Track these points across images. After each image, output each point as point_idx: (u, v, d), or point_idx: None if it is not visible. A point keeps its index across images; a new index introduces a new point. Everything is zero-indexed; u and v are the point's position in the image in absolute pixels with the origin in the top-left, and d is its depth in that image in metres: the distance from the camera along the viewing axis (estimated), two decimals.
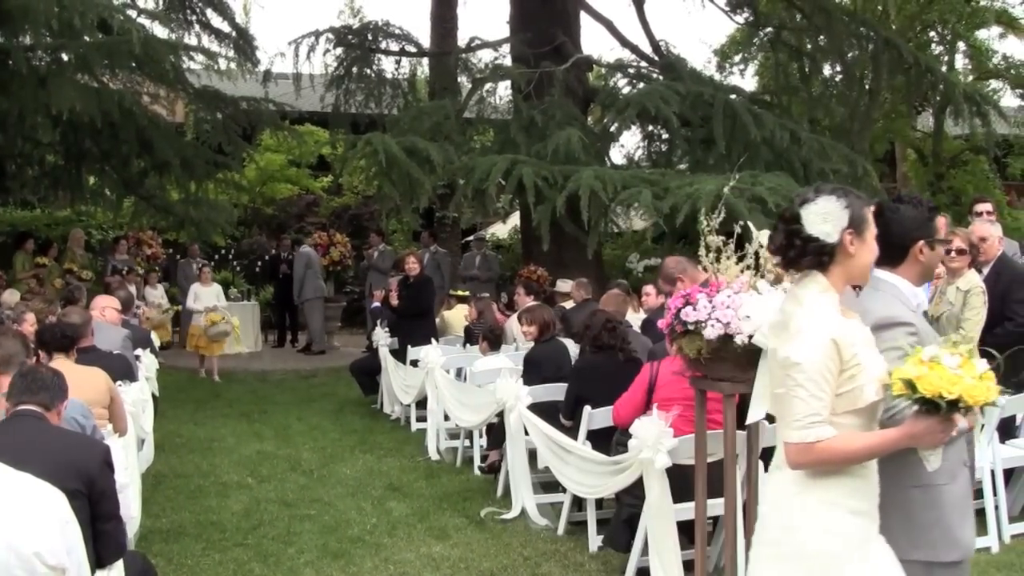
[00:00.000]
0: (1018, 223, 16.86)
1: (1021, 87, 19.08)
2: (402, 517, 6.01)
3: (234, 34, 13.27)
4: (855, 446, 2.54)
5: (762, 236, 4.06)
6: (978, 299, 5.63)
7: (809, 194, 2.69)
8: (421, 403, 8.39)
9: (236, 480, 6.98)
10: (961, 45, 19.55)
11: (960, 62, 20.04)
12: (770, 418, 4.17)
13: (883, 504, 2.67)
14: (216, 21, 13.17)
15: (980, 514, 5.22)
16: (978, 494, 5.29)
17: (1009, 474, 5.44)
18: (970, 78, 19.08)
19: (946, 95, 14.24)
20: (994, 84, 19.71)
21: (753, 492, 4.31)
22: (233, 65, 12.98)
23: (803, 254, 2.64)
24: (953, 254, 5.77)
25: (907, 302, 2.92)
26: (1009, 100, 18.98)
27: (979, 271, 5.90)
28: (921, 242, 2.93)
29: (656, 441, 4.23)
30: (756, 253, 4.01)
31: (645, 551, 4.50)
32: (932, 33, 19.32)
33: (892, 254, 2.92)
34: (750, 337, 3.80)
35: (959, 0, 17.74)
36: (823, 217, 2.61)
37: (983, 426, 5.15)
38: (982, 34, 19.68)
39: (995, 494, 5.18)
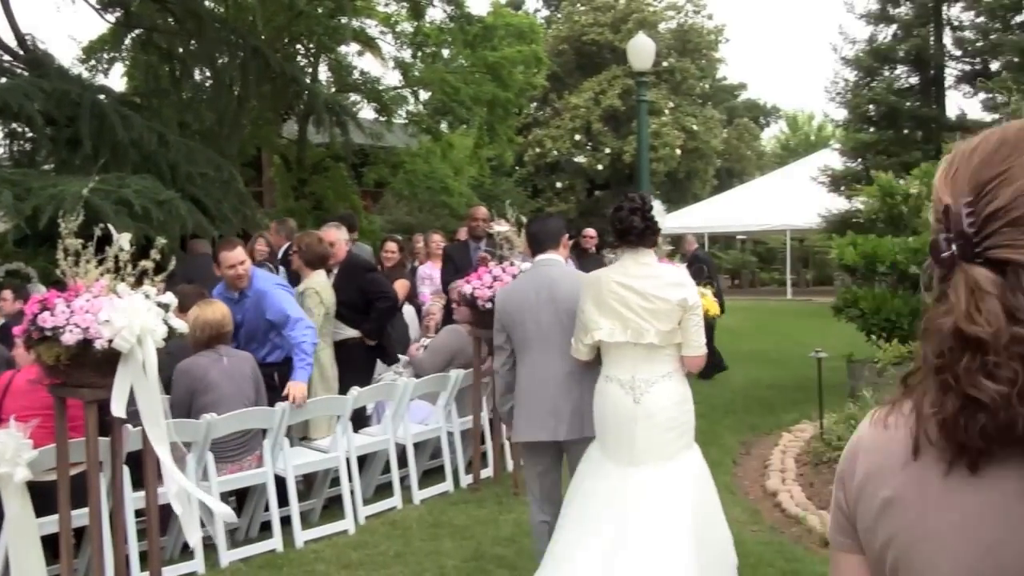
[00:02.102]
0: (373, 226, 18.82)
1: (376, 101, 21.16)
2: None
3: None
4: None
5: (123, 239, 4.06)
6: (312, 300, 6.12)
7: (644, 194, 3.97)
8: None
9: None
10: (324, 59, 21.12)
11: (324, 75, 21.53)
12: (134, 422, 4.20)
13: None
14: None
15: (338, 500, 5.62)
16: (335, 482, 5.70)
17: (362, 461, 5.93)
18: (332, 90, 20.58)
19: (310, 104, 15.34)
20: (354, 97, 21.57)
21: (119, 498, 4.29)
22: None
23: (654, 234, 3.89)
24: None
25: None
26: (367, 113, 20.85)
27: (329, 272, 6.49)
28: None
29: (14, 455, 3.99)
30: (116, 256, 4.00)
31: (7, 571, 4.21)
32: (299, 46, 20.57)
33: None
34: (110, 341, 3.80)
35: (324, 16, 19.08)
36: (658, 211, 3.90)
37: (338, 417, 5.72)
38: (343, 50, 21.51)
39: (351, 480, 5.60)
